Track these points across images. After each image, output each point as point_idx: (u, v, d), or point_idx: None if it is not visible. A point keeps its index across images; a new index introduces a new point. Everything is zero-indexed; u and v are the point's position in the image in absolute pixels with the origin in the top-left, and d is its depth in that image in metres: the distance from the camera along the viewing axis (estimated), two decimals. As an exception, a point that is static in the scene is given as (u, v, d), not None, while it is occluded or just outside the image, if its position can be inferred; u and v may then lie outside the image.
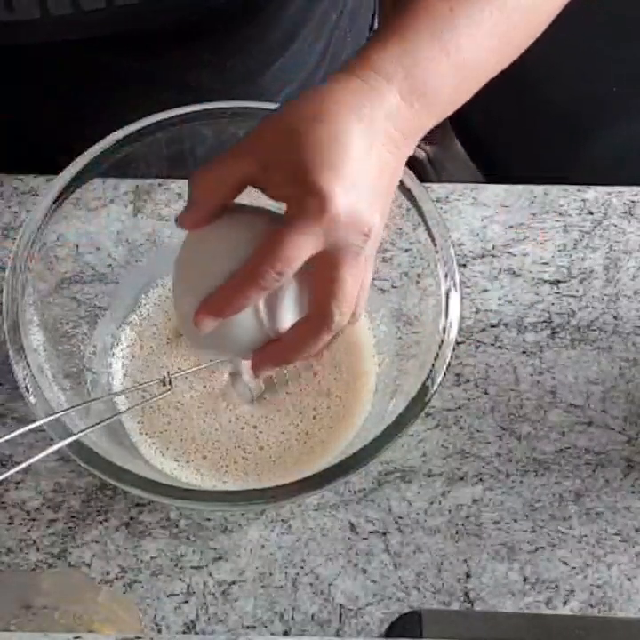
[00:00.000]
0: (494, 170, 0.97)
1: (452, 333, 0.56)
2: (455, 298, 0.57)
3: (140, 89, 0.70)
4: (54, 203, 0.60)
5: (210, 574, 0.62)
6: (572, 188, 0.74)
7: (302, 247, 0.46)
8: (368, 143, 0.47)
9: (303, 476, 0.54)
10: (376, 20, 0.89)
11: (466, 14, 0.50)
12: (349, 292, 0.48)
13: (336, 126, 0.46)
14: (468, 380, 0.67)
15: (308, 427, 0.64)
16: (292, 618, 0.61)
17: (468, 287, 0.70)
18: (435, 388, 0.55)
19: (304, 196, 0.45)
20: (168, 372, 0.61)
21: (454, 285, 0.57)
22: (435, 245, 0.58)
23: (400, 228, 0.61)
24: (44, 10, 0.60)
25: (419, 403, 0.55)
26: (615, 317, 0.70)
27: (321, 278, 0.48)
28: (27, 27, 0.62)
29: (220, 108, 0.62)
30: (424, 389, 0.55)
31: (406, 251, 0.63)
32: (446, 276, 0.57)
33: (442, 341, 0.56)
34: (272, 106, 0.61)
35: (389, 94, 0.48)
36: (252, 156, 0.47)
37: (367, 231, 0.47)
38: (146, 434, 0.64)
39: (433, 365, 0.55)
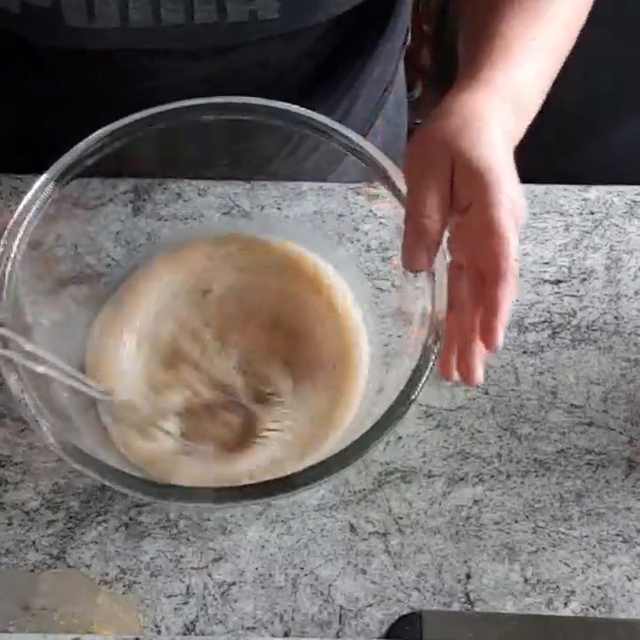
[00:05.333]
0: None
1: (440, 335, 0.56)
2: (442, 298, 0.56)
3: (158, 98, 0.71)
4: (45, 199, 0.59)
5: (209, 575, 0.62)
6: (573, 188, 0.74)
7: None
8: (508, 157, 0.55)
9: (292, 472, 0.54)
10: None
11: (544, 36, 0.59)
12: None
13: (490, 135, 0.54)
14: (468, 381, 0.67)
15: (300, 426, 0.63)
16: (292, 619, 0.61)
17: (469, 287, 0.70)
18: (417, 390, 0.55)
19: (490, 188, 0.52)
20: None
21: (440, 291, 0.56)
22: None
23: (399, 227, 0.61)
24: (124, 20, 0.62)
25: (402, 404, 0.54)
26: (616, 317, 0.69)
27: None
28: (105, 34, 0.63)
29: (214, 103, 0.62)
30: (406, 391, 0.55)
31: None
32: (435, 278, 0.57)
33: (427, 342, 0.55)
34: (272, 103, 0.61)
35: (508, 114, 0.56)
36: (440, 181, 0.53)
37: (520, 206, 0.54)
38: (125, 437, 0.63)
39: (418, 366, 0.55)
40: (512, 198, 0.52)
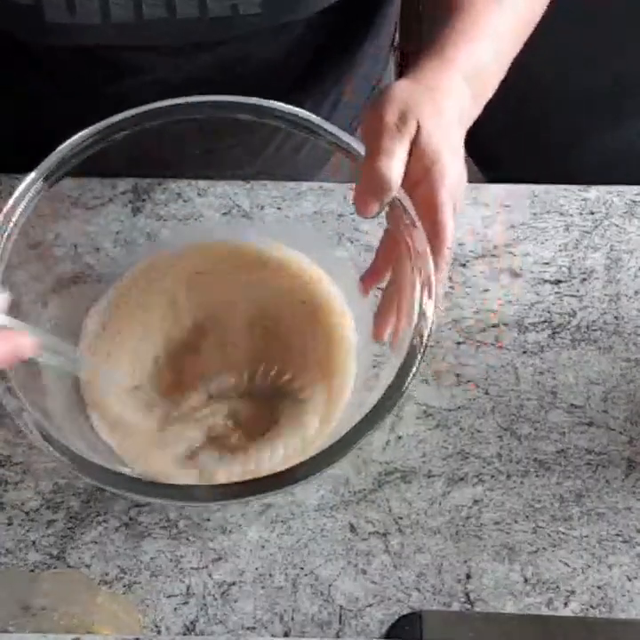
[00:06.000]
0: (495, 170, 0.96)
1: (424, 337, 0.56)
2: (429, 304, 0.57)
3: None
4: (33, 196, 0.59)
5: (209, 575, 0.62)
6: (573, 188, 0.74)
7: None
8: (459, 134, 0.59)
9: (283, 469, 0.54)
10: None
11: (502, 19, 0.62)
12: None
13: (450, 109, 0.58)
14: (468, 381, 0.67)
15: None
16: (292, 619, 0.61)
17: (469, 287, 0.70)
18: (406, 383, 0.55)
19: (439, 180, 0.56)
20: None
21: (429, 293, 0.57)
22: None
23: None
24: (105, 16, 0.62)
25: (390, 397, 0.55)
26: (616, 317, 0.69)
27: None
28: (87, 31, 0.64)
29: (198, 102, 0.62)
30: (394, 384, 0.55)
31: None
32: (423, 284, 0.57)
33: (413, 340, 0.56)
34: (257, 101, 0.61)
35: (467, 91, 0.59)
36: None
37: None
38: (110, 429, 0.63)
39: (405, 361, 0.55)
40: (454, 182, 0.56)
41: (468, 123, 0.60)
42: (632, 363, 0.68)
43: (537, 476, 0.64)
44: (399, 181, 0.55)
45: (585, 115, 0.92)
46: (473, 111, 0.61)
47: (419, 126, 0.56)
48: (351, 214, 0.69)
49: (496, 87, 0.63)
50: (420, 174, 0.56)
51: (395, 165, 0.55)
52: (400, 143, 0.55)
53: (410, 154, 0.56)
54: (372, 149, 0.56)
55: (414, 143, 0.56)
